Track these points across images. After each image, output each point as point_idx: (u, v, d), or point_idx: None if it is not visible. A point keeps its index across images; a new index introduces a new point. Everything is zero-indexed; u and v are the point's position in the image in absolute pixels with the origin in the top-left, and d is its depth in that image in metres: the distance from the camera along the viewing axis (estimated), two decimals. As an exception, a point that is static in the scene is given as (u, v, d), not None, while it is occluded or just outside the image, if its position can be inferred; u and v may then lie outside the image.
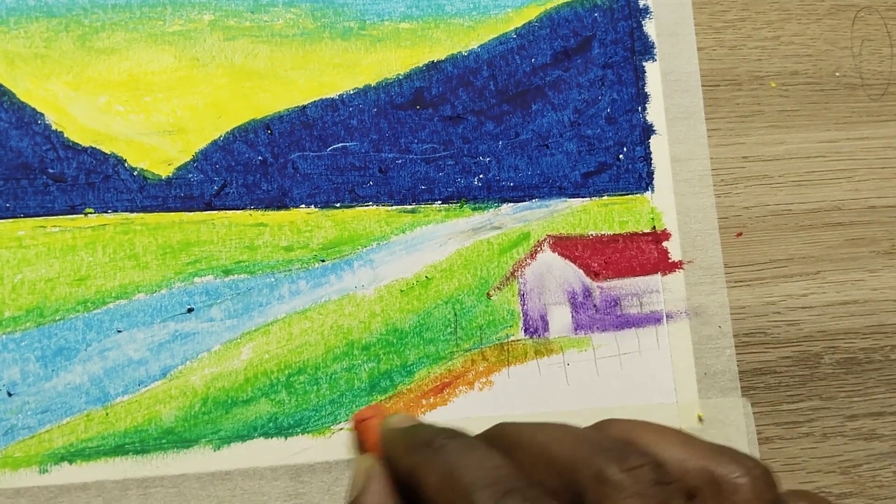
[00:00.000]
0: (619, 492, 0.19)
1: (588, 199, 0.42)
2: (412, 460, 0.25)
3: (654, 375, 0.40)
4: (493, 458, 0.23)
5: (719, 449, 0.21)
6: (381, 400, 0.39)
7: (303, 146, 0.40)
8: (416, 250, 0.40)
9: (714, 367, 0.41)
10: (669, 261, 0.41)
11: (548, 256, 0.41)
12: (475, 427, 0.41)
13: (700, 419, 0.40)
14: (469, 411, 0.39)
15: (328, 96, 0.41)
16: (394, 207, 0.41)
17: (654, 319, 0.41)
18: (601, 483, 0.20)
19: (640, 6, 0.43)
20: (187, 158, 0.40)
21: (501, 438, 0.25)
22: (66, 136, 0.39)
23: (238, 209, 0.40)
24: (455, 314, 0.40)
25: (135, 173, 0.39)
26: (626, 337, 0.41)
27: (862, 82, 0.44)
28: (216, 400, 0.38)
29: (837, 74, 0.44)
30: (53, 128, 0.39)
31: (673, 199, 0.42)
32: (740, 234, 0.42)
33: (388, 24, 0.42)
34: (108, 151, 0.39)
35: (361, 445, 0.29)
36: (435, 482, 0.23)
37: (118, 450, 0.37)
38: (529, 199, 0.41)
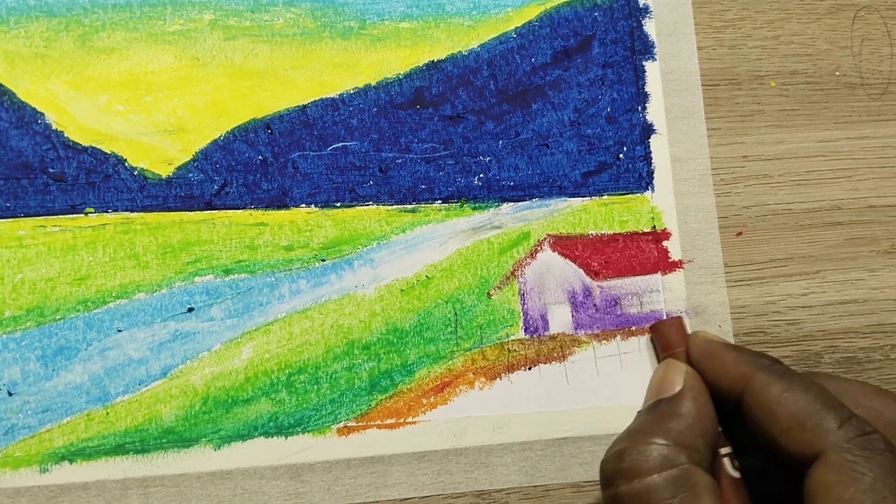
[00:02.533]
0: None
1: (588, 198, 0.42)
2: (744, 370, 0.26)
3: (654, 375, 0.40)
4: (827, 390, 0.25)
5: None
6: (381, 400, 0.39)
7: (303, 146, 0.40)
8: (417, 250, 0.40)
9: (714, 366, 0.41)
10: (669, 260, 0.41)
11: (548, 256, 0.41)
12: (477, 426, 0.41)
13: None
14: (469, 410, 0.39)
15: (328, 96, 0.41)
16: (394, 207, 0.41)
17: (654, 319, 0.41)
18: None
19: (640, 5, 0.43)
20: (187, 158, 0.40)
21: (818, 379, 0.27)
22: (66, 135, 0.39)
23: (238, 209, 0.40)
24: (455, 313, 0.40)
25: (135, 173, 0.39)
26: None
27: (862, 82, 0.44)
28: (216, 399, 0.38)
29: (837, 74, 0.44)
30: (54, 127, 0.39)
31: (673, 199, 0.42)
32: (740, 234, 0.42)
33: (389, 23, 0.42)
34: (108, 151, 0.39)
35: (661, 349, 0.30)
36: (776, 392, 0.24)
37: (118, 449, 0.38)
38: (529, 199, 0.41)
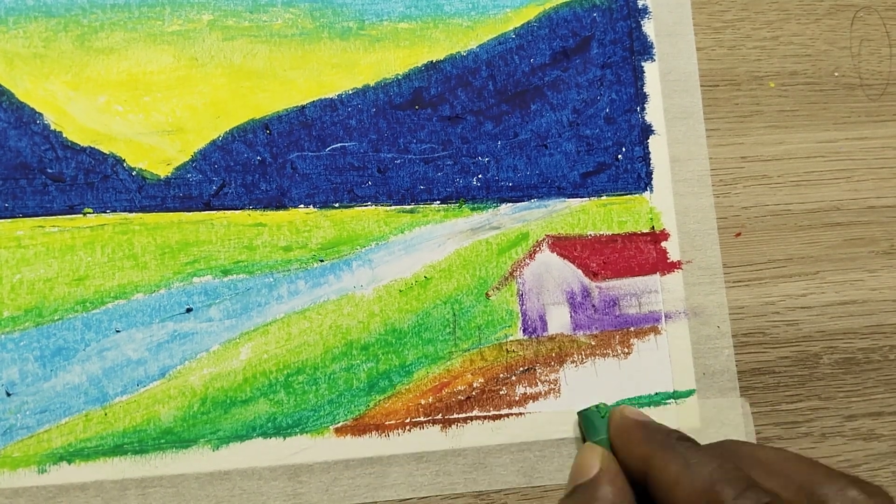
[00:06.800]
0: None
1: (587, 199, 0.42)
2: (647, 450, 0.26)
3: (652, 375, 0.40)
4: (729, 461, 0.25)
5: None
6: (379, 400, 0.39)
7: (301, 146, 0.40)
8: (415, 250, 0.40)
9: (713, 367, 0.41)
10: (668, 261, 0.41)
11: (546, 256, 0.41)
12: (476, 426, 0.41)
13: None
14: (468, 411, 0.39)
15: (327, 96, 0.41)
16: (392, 207, 0.41)
17: (652, 319, 0.41)
18: (846, 500, 0.24)
19: (639, 6, 0.43)
20: (186, 158, 0.40)
21: (727, 450, 0.27)
22: (64, 135, 0.39)
23: (237, 209, 0.40)
24: (454, 314, 0.40)
25: (133, 173, 0.39)
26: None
27: (861, 82, 0.44)
28: (215, 400, 0.38)
29: (836, 74, 0.44)
30: (52, 127, 0.39)
31: (672, 199, 0.42)
32: (739, 234, 0.42)
33: (387, 23, 0.42)
34: (106, 151, 0.39)
35: (584, 433, 0.30)
36: (674, 471, 0.24)
37: (117, 450, 0.37)
38: (528, 199, 0.41)
